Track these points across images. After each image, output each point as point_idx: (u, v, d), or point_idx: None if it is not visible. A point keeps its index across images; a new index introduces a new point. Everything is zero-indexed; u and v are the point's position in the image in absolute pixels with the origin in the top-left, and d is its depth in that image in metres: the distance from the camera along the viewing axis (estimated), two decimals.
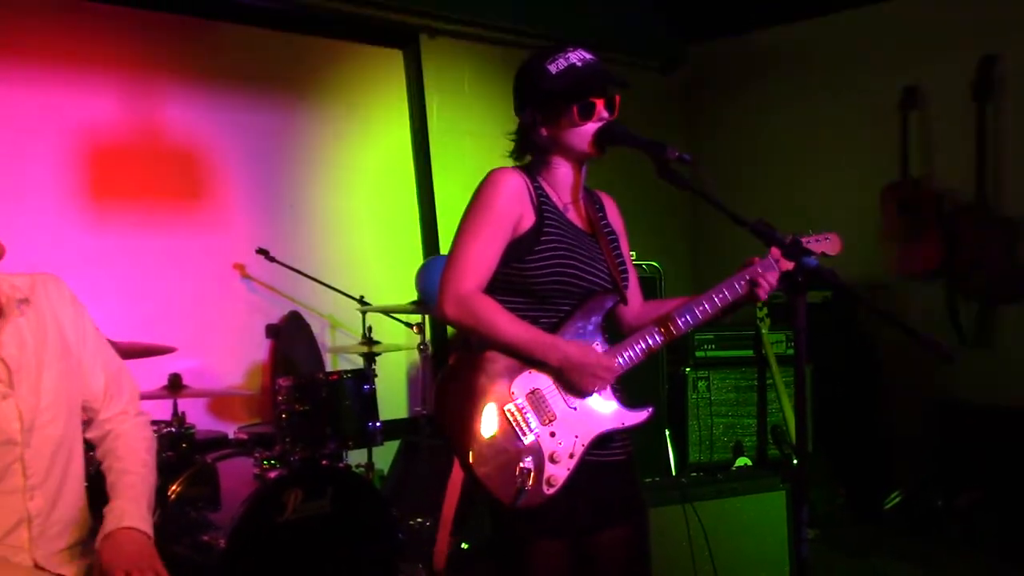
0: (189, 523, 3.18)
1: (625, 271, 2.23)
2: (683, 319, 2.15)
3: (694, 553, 3.17)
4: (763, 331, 4.52)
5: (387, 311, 4.42)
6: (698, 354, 5.00)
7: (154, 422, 2.81)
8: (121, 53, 4.19)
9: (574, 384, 2.06)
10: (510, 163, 2.22)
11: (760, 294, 2.15)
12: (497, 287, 2.11)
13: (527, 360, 2.05)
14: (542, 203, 2.13)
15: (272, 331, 4.27)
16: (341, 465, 3.45)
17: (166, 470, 3.21)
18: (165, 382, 3.37)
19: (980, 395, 4.75)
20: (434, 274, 3.41)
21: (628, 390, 2.15)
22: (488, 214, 2.08)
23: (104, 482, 2.07)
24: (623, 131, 2.11)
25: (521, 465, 1.99)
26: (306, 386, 3.41)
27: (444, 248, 4.90)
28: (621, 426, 2.12)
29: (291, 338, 4.38)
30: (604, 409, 2.10)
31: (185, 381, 3.41)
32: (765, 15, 5.78)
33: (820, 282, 1.83)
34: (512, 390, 2.03)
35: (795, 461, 4.08)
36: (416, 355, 4.61)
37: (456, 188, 5.02)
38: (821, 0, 5.51)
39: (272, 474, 3.19)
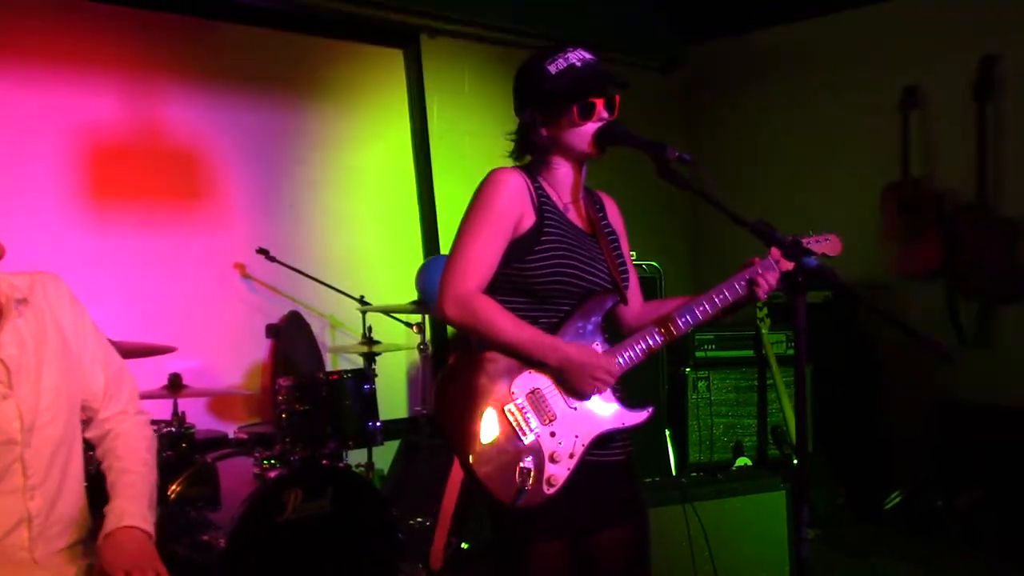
0: (189, 523, 3.18)
1: (625, 271, 2.23)
2: (683, 319, 2.15)
3: (694, 553, 3.17)
4: (763, 331, 4.53)
5: (387, 311, 4.42)
6: (698, 354, 5.00)
7: (154, 422, 2.81)
8: (121, 53, 4.19)
9: (573, 386, 2.06)
10: (510, 163, 2.22)
11: (759, 293, 2.15)
12: (497, 287, 2.11)
13: (527, 360, 2.05)
14: (542, 203, 2.13)
15: (272, 331, 4.27)
16: (341, 465, 3.45)
17: (166, 470, 3.21)
18: (165, 382, 3.38)
19: (980, 395, 4.75)
20: (434, 274, 3.41)
21: (628, 390, 2.15)
22: (488, 214, 2.08)
23: (104, 481, 2.07)
24: (623, 131, 2.11)
25: (521, 465, 1.99)
26: (306, 386, 3.41)
27: (444, 248, 4.91)
28: (621, 426, 2.12)
29: (291, 338, 4.38)
30: (604, 409, 2.10)
31: (185, 381, 3.41)
32: (765, 15, 5.78)
33: (820, 282, 1.83)
34: (512, 390, 2.03)
35: (795, 461, 4.08)
36: (416, 355, 4.61)
37: (456, 188, 5.02)
38: (821, 0, 5.51)
39: (272, 474, 3.19)
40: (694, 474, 3.95)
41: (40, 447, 1.94)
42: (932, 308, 4.98)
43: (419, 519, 3.88)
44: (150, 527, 2.01)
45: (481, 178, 2.14)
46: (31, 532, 1.92)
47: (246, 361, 4.47)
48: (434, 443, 4.19)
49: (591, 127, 2.12)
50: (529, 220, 2.10)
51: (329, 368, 4.60)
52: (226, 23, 4.53)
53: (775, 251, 2.13)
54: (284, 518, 3.09)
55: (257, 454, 3.33)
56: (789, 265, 2.09)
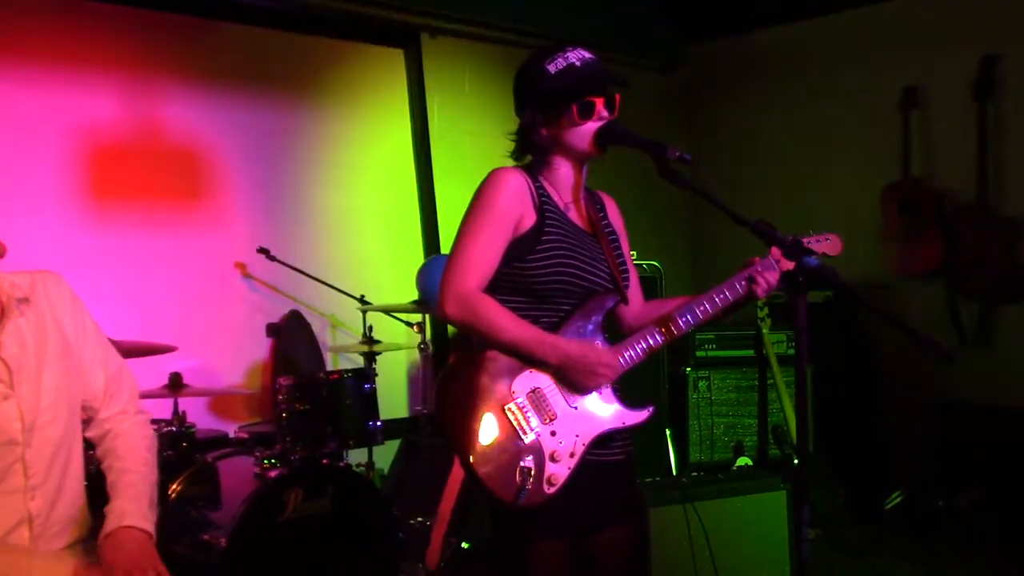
0: (189, 522, 3.18)
1: (626, 271, 2.24)
2: (684, 319, 2.15)
3: (694, 553, 3.17)
4: (764, 331, 4.53)
5: (388, 310, 4.43)
6: (699, 354, 5.00)
7: (155, 421, 2.81)
8: (121, 53, 4.19)
9: (575, 382, 2.06)
10: (511, 163, 2.22)
11: (757, 292, 2.15)
12: (498, 286, 2.11)
13: (527, 359, 2.05)
14: (543, 202, 2.13)
15: (273, 330, 4.27)
16: (342, 464, 3.46)
17: (166, 469, 3.21)
18: (166, 381, 3.38)
19: (980, 395, 4.75)
20: (435, 273, 3.41)
21: (629, 390, 2.15)
22: (489, 213, 2.08)
23: (104, 481, 2.07)
24: (623, 130, 2.11)
25: (522, 464, 1.99)
26: (307, 385, 3.41)
27: (445, 247, 4.91)
28: (622, 425, 2.12)
29: (292, 337, 4.38)
30: (605, 409, 2.10)
31: (186, 380, 3.41)
32: (765, 15, 5.78)
33: (821, 282, 1.83)
34: (513, 389, 2.04)
35: (796, 461, 4.08)
36: (417, 354, 4.61)
37: (457, 188, 5.02)
38: (821, 0, 5.51)
39: (272, 473, 3.19)
40: (695, 474, 3.95)
41: (41, 447, 1.93)
42: (932, 308, 4.98)
43: (420, 519, 3.88)
44: (151, 527, 2.01)
45: (482, 178, 2.14)
46: (32, 532, 1.92)
47: (247, 360, 4.48)
48: (435, 443, 4.19)
49: (591, 126, 2.12)
50: (530, 220, 2.10)
51: (330, 367, 4.60)
52: (226, 23, 4.53)
53: (775, 251, 2.13)
54: (284, 518, 3.09)
55: (258, 453, 3.33)
56: (790, 265, 2.09)
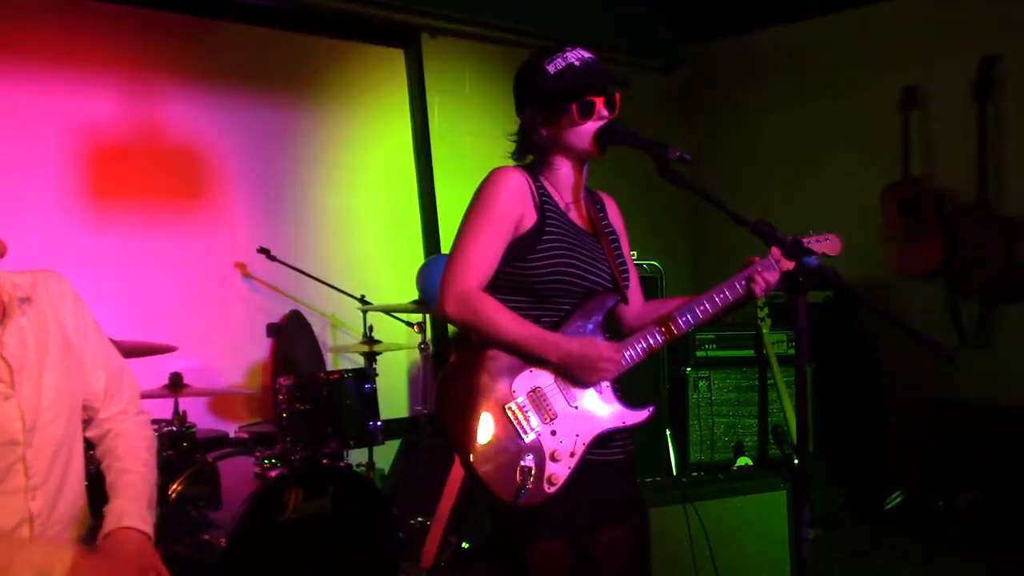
0: (190, 522, 3.18)
1: (626, 271, 2.24)
2: (684, 318, 2.15)
3: (695, 553, 3.17)
4: (764, 331, 4.53)
5: (388, 310, 4.43)
6: (699, 354, 5.00)
7: (155, 421, 2.81)
8: (122, 52, 4.19)
9: (577, 378, 2.06)
10: (511, 163, 2.22)
11: (756, 291, 2.15)
12: (498, 286, 2.11)
13: (528, 358, 2.05)
14: (544, 202, 2.13)
15: (273, 330, 4.27)
16: (342, 464, 3.46)
17: (167, 469, 3.22)
18: (166, 381, 3.38)
19: (980, 395, 4.75)
20: (435, 273, 3.41)
21: (629, 389, 2.15)
22: (489, 213, 2.08)
23: (104, 481, 2.07)
24: (624, 130, 2.11)
25: (522, 464, 1.99)
26: (307, 385, 3.41)
27: (445, 247, 4.91)
28: (622, 425, 2.12)
29: (292, 337, 4.38)
30: (605, 408, 2.10)
31: (186, 380, 3.41)
32: (765, 15, 5.78)
33: (821, 282, 1.83)
34: (513, 388, 2.04)
35: (796, 461, 4.08)
36: (417, 354, 4.62)
37: (457, 188, 5.02)
38: (821, 0, 5.51)
39: (273, 473, 3.19)
40: (695, 474, 3.95)
41: (41, 447, 1.93)
42: (932, 308, 4.98)
43: (420, 518, 3.88)
44: (149, 528, 2.01)
45: (482, 178, 2.14)
46: (32, 532, 1.92)
47: (247, 360, 4.48)
48: (435, 442, 4.19)
49: (591, 126, 2.12)
50: (530, 219, 2.10)
51: (330, 367, 4.60)
52: (227, 22, 4.53)
53: (775, 251, 2.13)
54: (285, 517, 3.09)
55: (258, 453, 3.34)
56: (790, 265, 2.09)
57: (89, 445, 2.11)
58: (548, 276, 2.08)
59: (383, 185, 5.04)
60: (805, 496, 1.88)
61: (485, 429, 1.99)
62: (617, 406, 2.12)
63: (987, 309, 4.93)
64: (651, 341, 2.13)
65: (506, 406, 2.02)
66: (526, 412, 2.03)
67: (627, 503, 2.21)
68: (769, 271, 2.15)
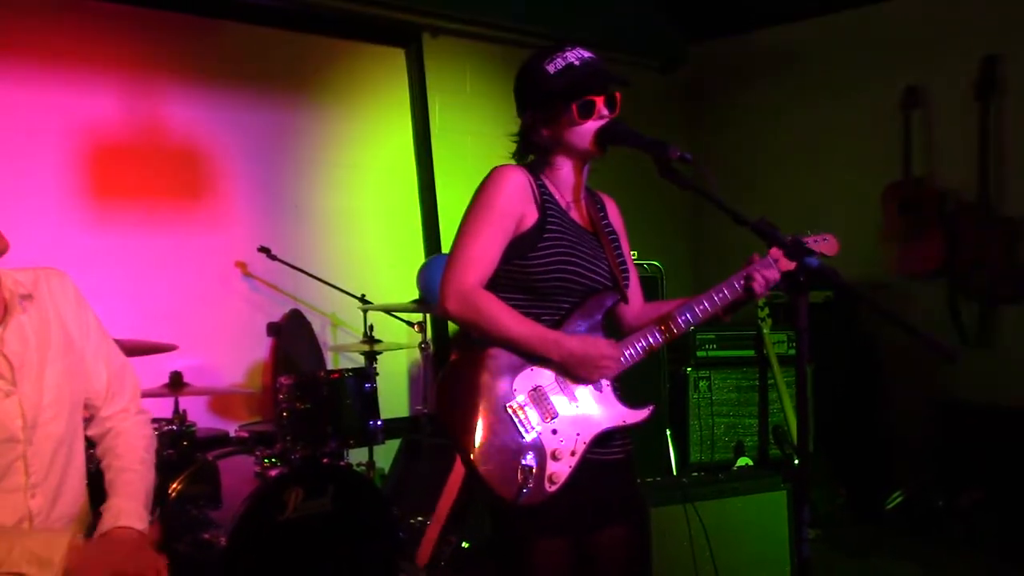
0: (190, 521, 3.18)
1: (626, 270, 2.24)
2: (683, 318, 2.15)
3: (695, 553, 3.17)
4: (764, 331, 4.53)
5: (388, 310, 4.42)
6: (699, 354, 5.00)
7: (155, 420, 2.81)
8: (122, 52, 4.19)
9: (578, 376, 2.06)
10: (513, 162, 2.22)
11: (756, 288, 2.15)
12: (499, 284, 2.11)
13: (528, 356, 2.05)
14: (545, 201, 2.13)
15: (273, 329, 4.27)
16: (342, 464, 3.45)
17: (167, 468, 3.22)
18: (166, 380, 3.38)
19: (981, 395, 4.74)
20: (435, 273, 3.41)
21: (629, 389, 2.16)
22: (490, 211, 2.08)
23: (103, 479, 2.07)
24: (624, 129, 2.11)
25: (523, 462, 1.99)
26: (307, 384, 3.41)
27: (445, 247, 4.90)
28: (622, 424, 2.12)
29: (292, 336, 4.38)
30: (605, 407, 2.11)
31: (186, 379, 3.41)
32: (766, 15, 5.78)
33: (822, 282, 1.83)
34: (514, 387, 2.04)
35: (796, 461, 4.08)
36: (417, 354, 4.62)
37: (458, 187, 5.02)
38: (822, 0, 5.50)
39: (273, 472, 3.19)
40: (695, 474, 3.95)
41: (42, 445, 1.93)
42: (933, 308, 4.97)
43: (420, 518, 3.88)
44: (146, 527, 2.01)
45: (483, 177, 2.14)
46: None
47: (247, 360, 4.48)
48: (435, 442, 4.19)
49: (592, 126, 2.12)
50: (531, 217, 2.10)
51: (330, 367, 4.60)
52: (227, 22, 4.53)
53: (774, 251, 2.14)
54: (285, 517, 3.09)
55: (258, 452, 3.33)
56: (790, 265, 2.10)
57: (89, 444, 2.11)
58: (549, 274, 2.08)
59: (384, 185, 5.04)
60: (806, 496, 1.88)
61: (486, 428, 1.99)
62: (617, 405, 2.12)
63: (988, 309, 4.93)
64: (651, 340, 2.13)
65: (507, 405, 2.02)
66: (527, 411, 2.03)
67: (627, 503, 2.21)
68: (767, 270, 2.16)
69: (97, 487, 2.07)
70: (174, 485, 3.24)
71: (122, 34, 4.18)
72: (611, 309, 2.17)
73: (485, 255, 2.08)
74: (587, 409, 2.09)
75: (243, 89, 4.56)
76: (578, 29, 5.29)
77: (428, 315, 4.36)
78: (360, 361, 4.33)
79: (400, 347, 4.63)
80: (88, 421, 2.10)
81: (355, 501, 3.26)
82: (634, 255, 2.45)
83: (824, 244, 2.33)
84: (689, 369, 4.97)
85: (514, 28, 5.25)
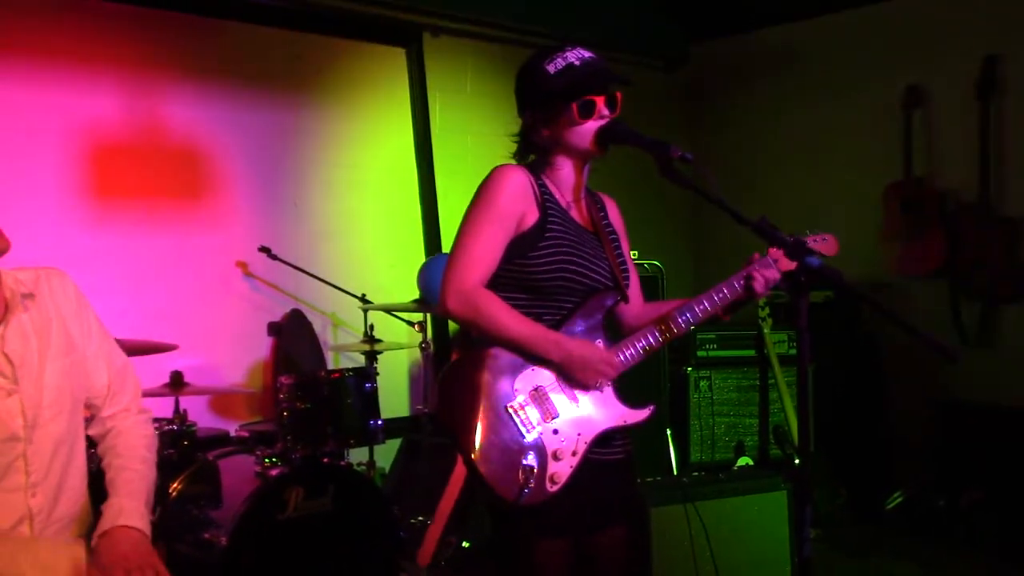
0: (190, 520, 3.18)
1: (626, 270, 2.24)
2: (683, 317, 2.15)
3: (695, 553, 3.16)
4: (765, 331, 4.52)
5: (389, 309, 4.42)
6: (700, 354, 4.99)
7: (156, 420, 2.80)
8: (123, 52, 4.18)
9: (576, 379, 2.06)
10: (513, 162, 2.22)
11: (756, 287, 2.15)
12: (500, 283, 2.11)
13: (529, 356, 2.05)
14: (546, 200, 2.13)
15: (274, 329, 4.27)
16: (342, 463, 3.45)
17: (167, 468, 3.21)
18: (167, 380, 3.37)
19: (982, 395, 4.74)
20: (436, 272, 3.40)
21: (630, 389, 2.15)
22: (492, 210, 2.08)
23: (104, 479, 2.07)
24: (625, 129, 2.11)
25: (524, 463, 1.99)
26: (308, 384, 3.41)
27: (446, 247, 4.90)
28: (623, 424, 2.12)
29: (293, 336, 4.38)
30: (606, 407, 2.11)
31: (187, 379, 3.41)
32: (767, 14, 5.78)
33: (823, 282, 1.83)
34: (515, 387, 2.04)
35: (797, 461, 4.08)
36: (418, 353, 4.62)
37: (458, 187, 5.02)
38: (822, 0, 5.50)
39: (273, 472, 3.19)
40: (696, 474, 3.95)
41: (42, 444, 1.93)
42: (934, 308, 4.97)
43: (420, 518, 3.88)
44: (147, 526, 2.01)
45: (483, 177, 2.13)
46: (33, 529, 1.92)
47: (248, 359, 4.48)
48: (435, 442, 4.19)
49: (592, 125, 2.11)
50: (532, 217, 2.10)
51: (331, 366, 4.60)
52: (228, 21, 4.52)
53: (774, 251, 2.14)
54: (285, 516, 3.09)
55: (259, 452, 3.33)
56: (790, 264, 2.10)
57: (91, 443, 2.11)
58: (550, 273, 2.08)
59: (384, 184, 5.03)
60: (807, 496, 1.88)
61: (487, 428, 1.99)
62: (618, 405, 2.12)
63: (989, 309, 4.92)
64: (651, 340, 2.13)
65: (508, 405, 2.02)
66: (528, 411, 2.03)
67: (627, 503, 2.22)
68: (767, 269, 2.16)
69: (98, 486, 2.07)
70: (175, 485, 3.24)
71: (122, 34, 4.18)
72: (611, 309, 2.17)
73: (486, 254, 2.08)
74: (588, 409, 2.08)
75: (243, 89, 4.56)
76: (578, 29, 5.29)
77: (428, 315, 4.36)
78: (360, 361, 4.33)
79: (400, 347, 4.63)
80: (89, 421, 2.10)
81: (355, 500, 3.26)
82: (634, 255, 2.45)
83: (823, 244, 2.33)
84: (690, 369, 4.96)
85: (515, 28, 5.25)
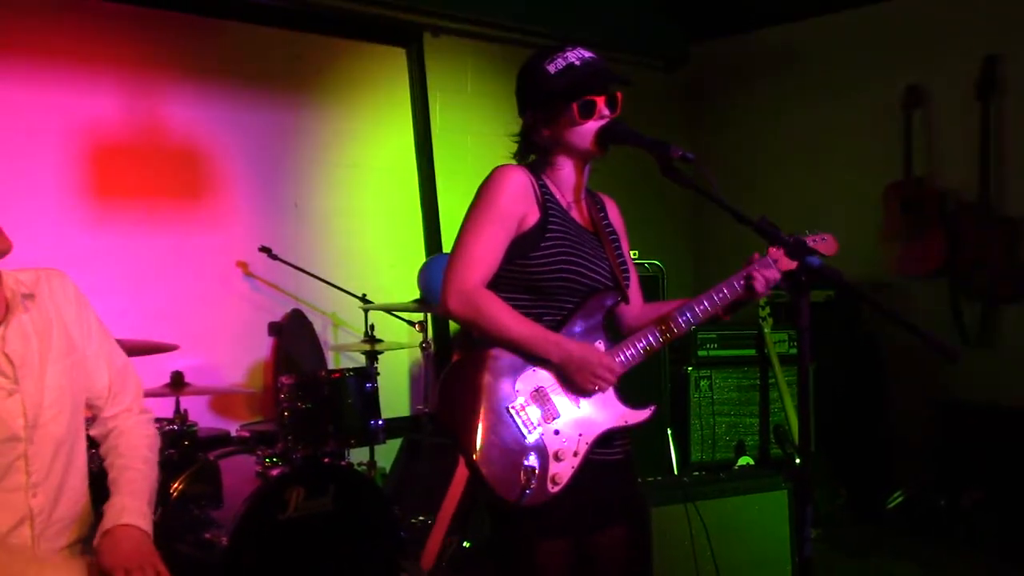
0: (191, 520, 3.18)
1: (626, 270, 2.24)
2: (683, 317, 2.15)
3: (696, 552, 3.17)
4: (765, 330, 4.53)
5: (389, 309, 4.42)
6: (700, 353, 4.99)
7: (156, 420, 2.80)
8: (123, 51, 4.18)
9: (575, 383, 2.06)
10: (514, 162, 2.22)
11: (757, 287, 2.15)
12: (501, 283, 2.11)
13: (530, 357, 2.05)
14: (546, 200, 2.13)
15: (274, 329, 4.27)
16: (343, 463, 3.45)
17: (168, 468, 3.21)
18: (167, 380, 3.38)
19: (982, 395, 4.74)
20: (436, 272, 3.41)
21: (630, 389, 2.15)
22: (492, 210, 2.08)
23: (106, 479, 2.07)
24: (625, 129, 2.11)
25: (525, 463, 1.99)
26: (308, 384, 3.41)
27: (447, 247, 4.91)
28: (624, 424, 2.12)
29: (293, 336, 4.38)
30: (607, 407, 2.10)
31: (187, 379, 3.41)
32: (767, 14, 5.78)
33: (824, 281, 1.83)
34: (516, 388, 2.04)
35: (798, 461, 4.08)
36: (418, 353, 4.62)
37: (459, 187, 5.02)
38: (822, 0, 5.50)
39: (274, 472, 3.19)
40: (696, 473, 3.94)
41: (43, 444, 1.93)
42: (934, 308, 4.97)
43: (421, 518, 3.88)
44: (149, 525, 2.01)
45: (483, 177, 2.13)
46: (33, 530, 1.92)
47: (248, 359, 4.48)
48: (436, 441, 4.19)
49: (592, 126, 2.11)
50: (533, 217, 2.10)
51: (331, 366, 4.60)
52: (229, 21, 4.52)
53: (774, 251, 2.14)
54: (286, 516, 3.09)
55: (259, 452, 3.33)
56: (790, 264, 2.10)
57: (92, 444, 2.11)
58: (551, 274, 2.08)
59: (384, 184, 5.03)
60: (808, 496, 1.88)
61: (488, 429, 1.99)
62: (619, 405, 2.12)
63: (989, 309, 4.92)
64: (651, 340, 2.13)
65: (509, 406, 2.02)
66: (529, 412, 2.03)
67: (627, 503, 2.21)
68: (767, 269, 2.16)
69: (100, 487, 2.07)
70: (175, 485, 3.24)
71: (122, 34, 4.18)
72: (611, 309, 2.17)
73: (487, 255, 2.08)
74: (589, 410, 2.08)
75: (244, 88, 4.56)
76: (579, 29, 5.29)
77: (429, 315, 4.36)
78: (361, 361, 4.33)
79: (401, 347, 4.63)
80: (91, 421, 2.11)
81: (356, 500, 3.26)
82: (634, 255, 2.45)
83: (823, 244, 2.33)
84: (690, 368, 4.96)
85: (515, 28, 5.25)
